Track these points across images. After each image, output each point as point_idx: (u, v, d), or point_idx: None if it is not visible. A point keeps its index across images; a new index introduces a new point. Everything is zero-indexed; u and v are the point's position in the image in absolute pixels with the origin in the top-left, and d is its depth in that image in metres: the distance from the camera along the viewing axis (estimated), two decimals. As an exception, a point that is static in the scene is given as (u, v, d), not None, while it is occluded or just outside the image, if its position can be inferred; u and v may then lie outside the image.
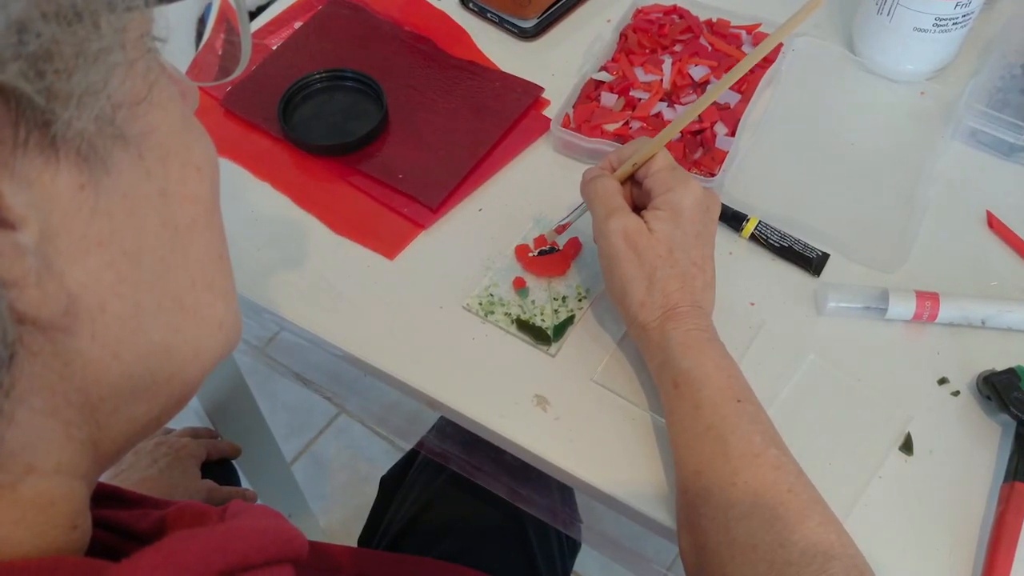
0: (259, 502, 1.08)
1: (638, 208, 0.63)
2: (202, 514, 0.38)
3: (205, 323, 0.36)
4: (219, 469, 1.01)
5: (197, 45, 0.42)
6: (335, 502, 1.64)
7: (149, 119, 0.32)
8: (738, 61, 0.83)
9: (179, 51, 0.40)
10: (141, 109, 0.31)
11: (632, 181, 0.65)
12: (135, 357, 0.33)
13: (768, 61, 0.85)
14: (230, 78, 0.40)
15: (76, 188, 0.29)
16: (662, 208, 0.61)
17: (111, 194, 0.30)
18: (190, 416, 1.08)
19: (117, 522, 0.39)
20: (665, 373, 0.59)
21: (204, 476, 0.96)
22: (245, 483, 1.12)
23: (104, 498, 0.42)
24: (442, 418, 0.84)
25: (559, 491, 0.83)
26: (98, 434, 0.33)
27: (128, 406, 0.34)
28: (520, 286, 0.71)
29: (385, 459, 1.68)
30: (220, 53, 0.41)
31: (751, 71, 0.84)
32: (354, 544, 1.01)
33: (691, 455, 0.56)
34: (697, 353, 0.57)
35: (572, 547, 0.96)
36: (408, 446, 1.05)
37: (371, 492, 1.02)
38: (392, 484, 0.99)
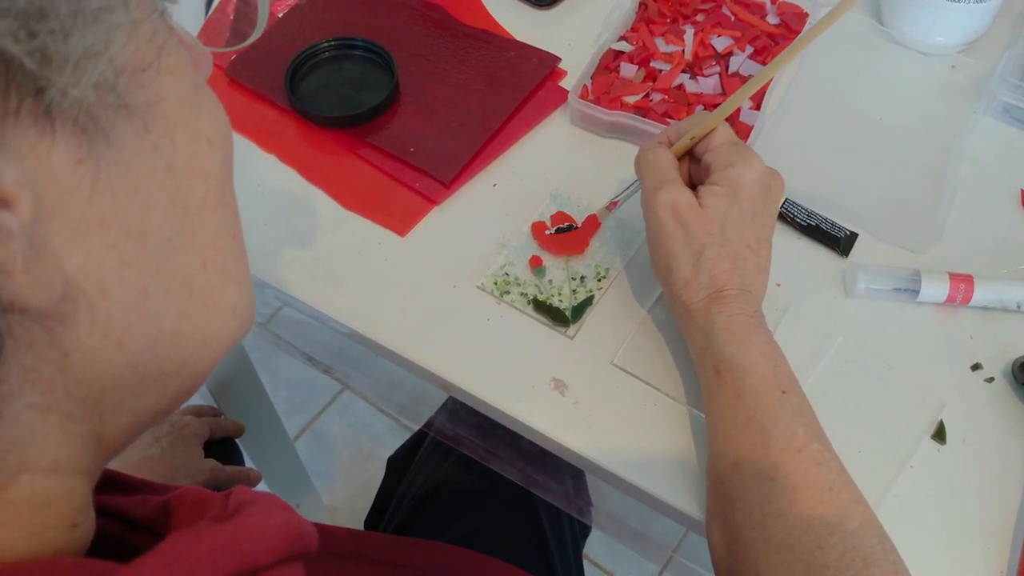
0: (262, 481, 1.06)
1: (696, 186, 0.60)
2: (205, 500, 0.36)
3: (217, 308, 0.33)
4: (222, 448, 0.99)
5: (208, 9, 0.39)
6: (339, 480, 1.62)
7: (156, 87, 0.29)
8: (762, 32, 0.81)
9: (191, 16, 0.37)
10: (147, 76, 0.29)
11: (691, 157, 0.62)
12: (141, 346, 0.30)
13: (793, 33, 0.81)
14: (246, 43, 0.37)
15: (74, 162, 0.26)
16: (719, 184, 0.57)
17: (113, 169, 0.28)
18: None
19: (116, 508, 0.37)
20: (707, 358, 0.56)
21: (207, 455, 0.94)
22: (248, 462, 1.10)
23: (103, 483, 0.40)
24: (453, 400, 0.82)
25: (572, 476, 0.81)
26: (101, 428, 0.31)
27: (134, 398, 0.31)
28: (537, 265, 0.69)
29: (389, 436, 1.67)
30: (232, 17, 0.38)
31: (776, 43, 0.81)
32: (359, 523, 0.99)
33: (730, 446, 0.53)
34: (742, 339, 0.55)
35: (583, 530, 0.94)
36: (414, 426, 1.03)
37: (375, 470, 1.00)
38: (400, 465, 0.97)
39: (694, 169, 0.62)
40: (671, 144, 0.62)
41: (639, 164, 0.61)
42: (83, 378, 0.29)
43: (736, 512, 0.52)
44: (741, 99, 0.60)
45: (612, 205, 0.69)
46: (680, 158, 0.61)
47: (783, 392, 0.53)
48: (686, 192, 0.58)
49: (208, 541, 0.29)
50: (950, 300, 0.66)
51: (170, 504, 0.36)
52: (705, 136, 0.60)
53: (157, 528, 0.36)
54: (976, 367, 0.64)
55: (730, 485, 0.53)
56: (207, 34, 0.37)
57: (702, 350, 0.57)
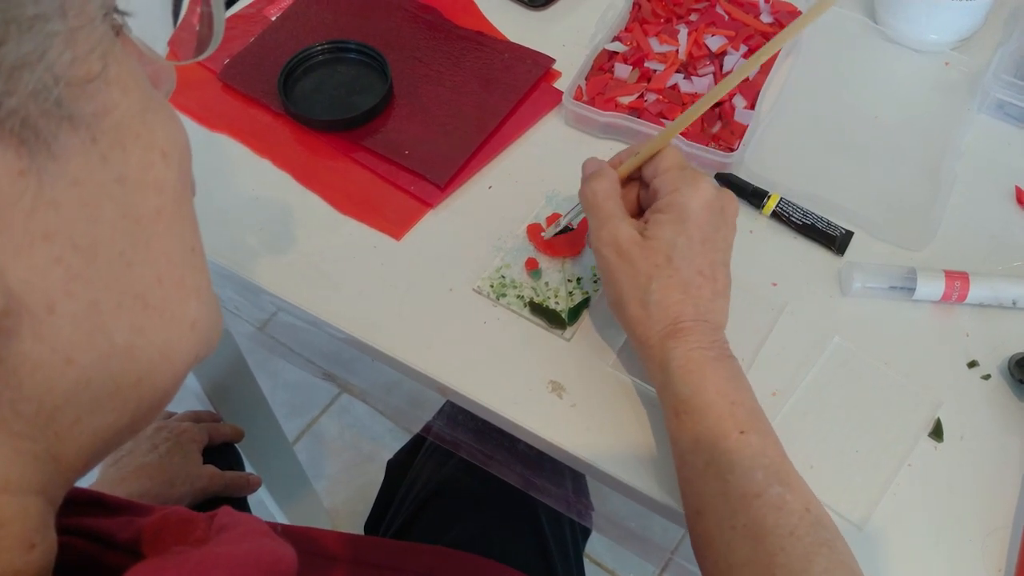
0: (262, 485, 1.06)
1: (644, 211, 0.58)
2: (188, 522, 0.35)
3: (175, 323, 0.32)
4: (221, 453, 0.99)
5: (175, 23, 0.39)
6: (339, 483, 1.62)
7: (103, 98, 0.29)
8: (756, 31, 0.81)
9: (162, 31, 0.36)
10: (93, 87, 0.28)
11: (640, 182, 0.60)
12: (92, 361, 0.29)
13: (787, 30, 0.81)
14: (204, 54, 0.36)
15: (15, 174, 0.26)
16: (665, 211, 0.55)
17: (58, 181, 0.27)
18: (191, 399, 1.06)
19: (99, 531, 0.36)
20: (666, 399, 0.54)
21: (206, 461, 0.94)
22: (248, 467, 1.10)
23: (85, 504, 0.39)
24: (450, 404, 0.82)
25: (572, 480, 0.80)
26: (58, 447, 0.30)
27: (91, 416, 0.30)
28: (533, 267, 0.68)
29: (389, 438, 1.67)
30: (197, 28, 0.37)
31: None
32: (360, 526, 0.99)
33: (692, 494, 0.52)
34: (699, 378, 0.52)
35: (584, 531, 0.94)
36: (412, 430, 1.03)
37: (375, 472, 1.00)
38: (400, 468, 0.97)
39: (643, 194, 0.60)
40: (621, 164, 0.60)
41: (582, 197, 0.59)
42: (32, 394, 0.28)
43: (706, 562, 0.51)
44: (692, 117, 0.57)
45: (559, 232, 0.69)
46: (629, 183, 0.59)
47: (741, 433, 0.51)
48: (626, 226, 0.56)
49: (171, 572, 0.29)
50: (946, 298, 0.66)
51: (148, 529, 0.36)
52: (654, 157, 0.58)
53: (141, 551, 0.35)
54: (973, 364, 0.64)
55: (697, 535, 0.51)
56: (172, 47, 0.36)
57: (661, 390, 0.55)
